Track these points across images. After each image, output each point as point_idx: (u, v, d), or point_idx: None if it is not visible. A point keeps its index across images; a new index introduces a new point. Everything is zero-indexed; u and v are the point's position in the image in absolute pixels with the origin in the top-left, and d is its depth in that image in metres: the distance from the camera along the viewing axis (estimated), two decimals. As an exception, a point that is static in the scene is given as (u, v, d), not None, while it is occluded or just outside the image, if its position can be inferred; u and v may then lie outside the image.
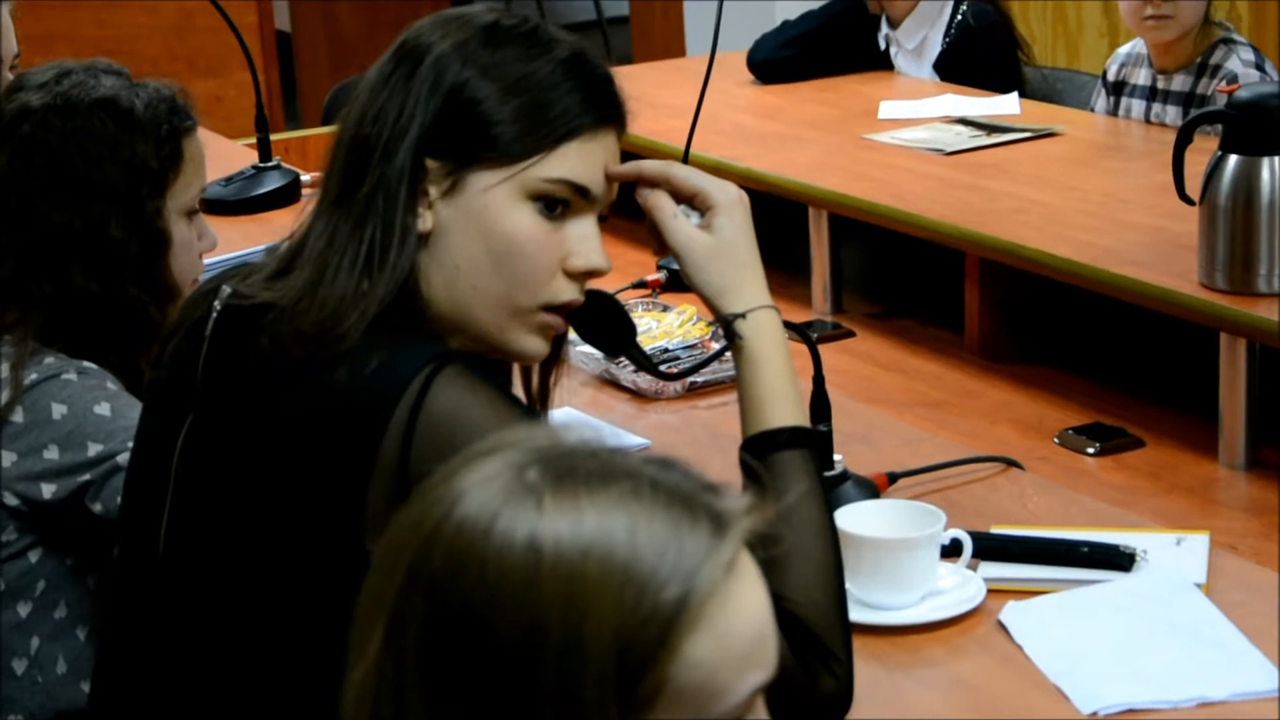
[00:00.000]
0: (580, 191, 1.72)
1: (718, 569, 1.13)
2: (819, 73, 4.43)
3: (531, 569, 1.10)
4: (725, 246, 1.79)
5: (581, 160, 1.72)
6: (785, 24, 4.50)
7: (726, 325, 1.80)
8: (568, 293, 1.74)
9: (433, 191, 1.71)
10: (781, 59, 4.41)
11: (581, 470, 1.14)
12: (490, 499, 1.13)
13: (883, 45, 4.45)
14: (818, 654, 1.69)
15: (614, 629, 1.10)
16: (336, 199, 1.72)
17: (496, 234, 1.71)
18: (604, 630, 1.10)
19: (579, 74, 1.73)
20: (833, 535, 1.75)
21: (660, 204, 1.81)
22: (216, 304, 1.75)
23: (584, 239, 1.74)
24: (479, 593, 1.11)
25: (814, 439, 1.79)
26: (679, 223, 1.80)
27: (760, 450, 1.76)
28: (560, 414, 2.61)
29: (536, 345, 1.76)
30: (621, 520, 1.12)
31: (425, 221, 1.70)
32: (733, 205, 1.81)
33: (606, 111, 1.75)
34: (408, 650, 1.13)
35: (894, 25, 4.41)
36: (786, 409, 1.77)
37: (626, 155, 1.80)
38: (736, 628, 1.14)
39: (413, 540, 1.15)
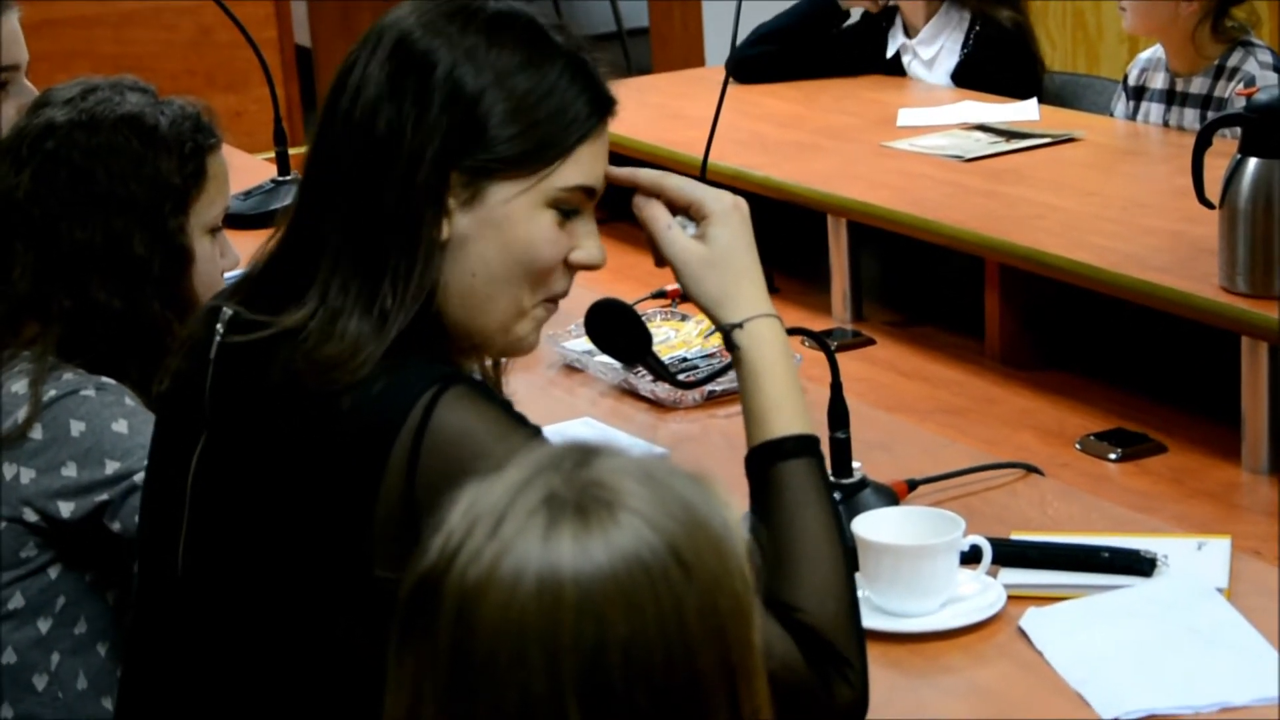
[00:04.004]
0: (590, 193, 1.74)
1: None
2: (794, 70, 4.42)
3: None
4: (720, 256, 1.78)
5: (591, 162, 1.73)
6: (759, 26, 4.47)
7: (725, 335, 1.79)
8: (563, 284, 1.76)
9: (451, 202, 1.70)
10: (752, 56, 4.36)
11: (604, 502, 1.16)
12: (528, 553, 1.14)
13: (892, 52, 4.44)
14: (832, 662, 1.68)
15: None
16: (351, 215, 1.69)
17: (518, 242, 1.71)
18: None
19: (583, 75, 1.73)
20: (842, 542, 1.73)
21: (655, 215, 1.80)
22: (219, 326, 1.75)
23: (588, 235, 1.75)
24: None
25: (818, 446, 1.77)
26: (673, 234, 1.79)
27: (764, 461, 1.75)
28: (579, 424, 2.63)
29: (534, 338, 1.77)
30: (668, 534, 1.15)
31: (443, 231, 1.70)
32: (727, 213, 1.79)
33: (607, 107, 1.75)
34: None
35: (910, 34, 4.40)
36: (789, 418, 1.75)
37: (646, 166, 1.80)
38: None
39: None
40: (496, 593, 1.12)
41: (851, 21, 4.52)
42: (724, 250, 1.78)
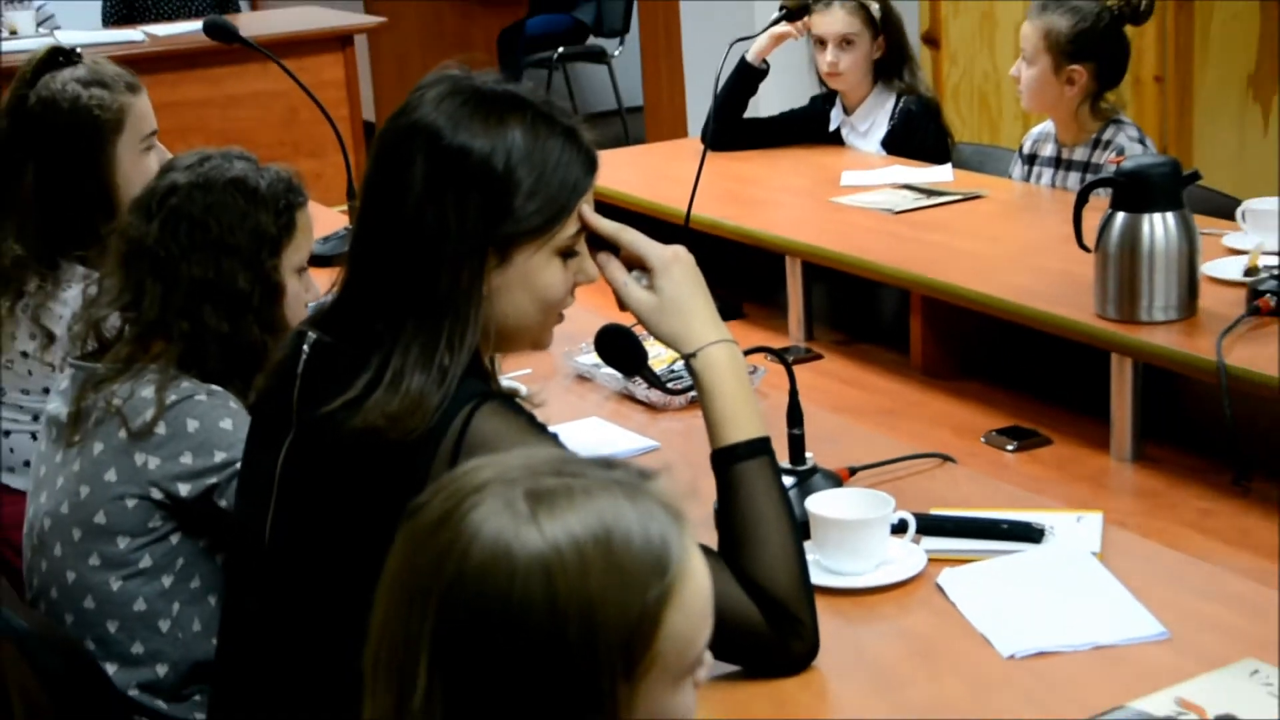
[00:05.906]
0: (583, 230, 1.74)
1: (684, 556, 1.15)
2: (758, 141, 4.39)
3: (549, 594, 1.10)
4: (667, 303, 1.77)
5: (585, 210, 1.73)
6: (713, 102, 4.35)
7: (686, 365, 1.79)
8: (570, 301, 1.77)
9: (487, 268, 1.68)
10: (716, 128, 4.30)
11: (561, 493, 1.14)
12: (498, 537, 1.12)
13: (833, 127, 4.44)
14: (787, 621, 1.69)
15: (620, 629, 1.11)
16: (407, 295, 1.67)
17: (539, 289, 1.71)
18: (613, 632, 1.11)
19: (577, 143, 1.72)
20: (790, 523, 1.73)
21: (614, 275, 1.80)
22: (305, 347, 1.76)
23: (582, 260, 1.75)
24: (507, 626, 1.11)
25: (768, 445, 1.76)
26: (630, 289, 1.79)
27: (723, 463, 1.74)
28: (589, 422, 2.63)
29: (550, 340, 1.79)
30: (612, 531, 1.13)
31: (483, 293, 1.69)
32: (667, 266, 1.78)
33: (595, 166, 1.74)
34: (456, 674, 1.12)
35: (849, 112, 4.42)
36: (739, 426, 1.74)
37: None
38: (697, 596, 1.16)
39: (437, 586, 1.14)
40: (501, 597, 1.12)
41: (801, 105, 4.53)
42: (669, 298, 1.77)
